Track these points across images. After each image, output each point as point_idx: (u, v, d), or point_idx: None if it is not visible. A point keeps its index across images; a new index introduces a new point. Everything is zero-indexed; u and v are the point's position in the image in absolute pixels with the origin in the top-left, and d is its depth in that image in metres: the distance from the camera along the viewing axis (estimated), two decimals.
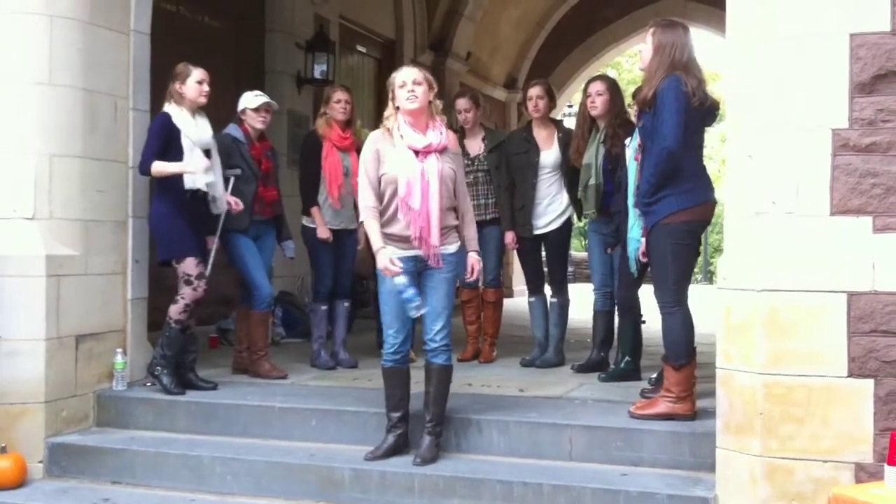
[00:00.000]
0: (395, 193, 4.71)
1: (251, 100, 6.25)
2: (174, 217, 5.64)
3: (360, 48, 11.13)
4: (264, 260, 6.35)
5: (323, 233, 6.52)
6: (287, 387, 5.98)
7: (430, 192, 4.66)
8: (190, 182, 5.63)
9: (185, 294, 5.67)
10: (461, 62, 12.84)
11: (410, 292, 4.62)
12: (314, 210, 6.54)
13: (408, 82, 4.72)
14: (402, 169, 4.69)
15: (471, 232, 4.93)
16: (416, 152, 4.70)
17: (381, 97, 11.22)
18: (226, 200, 5.93)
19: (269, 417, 5.33)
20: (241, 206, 5.97)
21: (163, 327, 5.73)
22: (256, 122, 6.25)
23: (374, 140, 4.86)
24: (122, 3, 5.78)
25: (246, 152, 6.18)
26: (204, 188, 5.71)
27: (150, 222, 5.77)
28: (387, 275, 4.67)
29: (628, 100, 6.15)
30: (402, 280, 4.63)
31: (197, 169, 5.64)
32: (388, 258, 4.65)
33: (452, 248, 4.82)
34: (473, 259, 4.92)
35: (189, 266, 5.65)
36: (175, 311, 5.68)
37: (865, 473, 3.86)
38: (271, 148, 6.53)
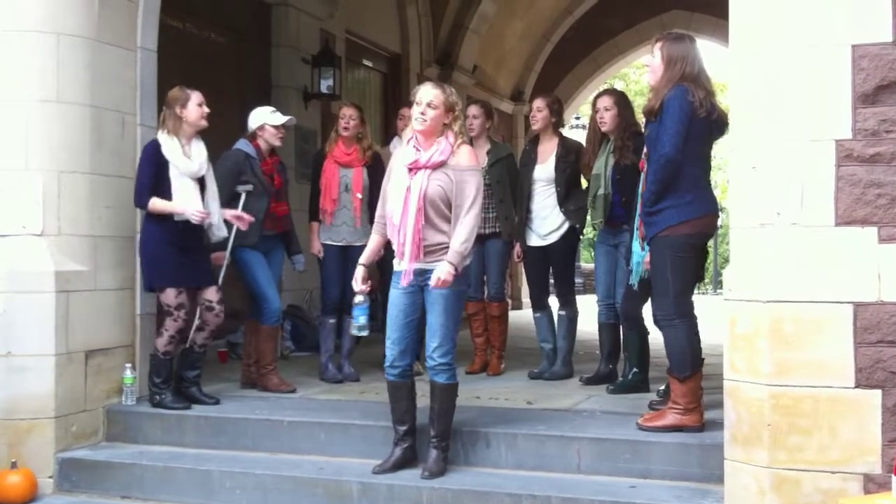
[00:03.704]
0: None
1: (271, 116, 6.25)
2: (160, 245, 5.59)
3: (366, 62, 11.16)
4: (273, 274, 6.36)
5: (313, 248, 6.61)
6: (296, 400, 5.99)
7: (409, 209, 4.67)
8: (179, 215, 5.58)
9: (168, 326, 5.67)
10: (467, 75, 12.86)
11: (357, 312, 4.94)
12: (311, 225, 6.63)
13: (422, 102, 4.72)
14: (393, 184, 4.78)
15: (455, 242, 4.64)
16: (409, 169, 4.73)
17: (387, 111, 11.26)
18: (235, 216, 5.89)
19: (278, 431, 5.34)
20: (248, 220, 5.94)
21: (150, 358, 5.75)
22: (276, 140, 6.27)
23: (393, 155, 4.97)
24: (128, 20, 5.82)
25: (258, 168, 6.19)
26: (194, 220, 5.59)
27: (140, 248, 5.71)
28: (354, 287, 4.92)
29: (639, 111, 6.17)
30: (359, 299, 4.93)
31: (193, 216, 5.55)
32: (357, 276, 4.90)
33: None
34: (440, 267, 4.61)
35: (168, 297, 5.62)
36: (161, 343, 5.69)
37: (874, 484, 3.85)
38: (281, 162, 6.55)
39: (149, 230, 5.65)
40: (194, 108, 5.67)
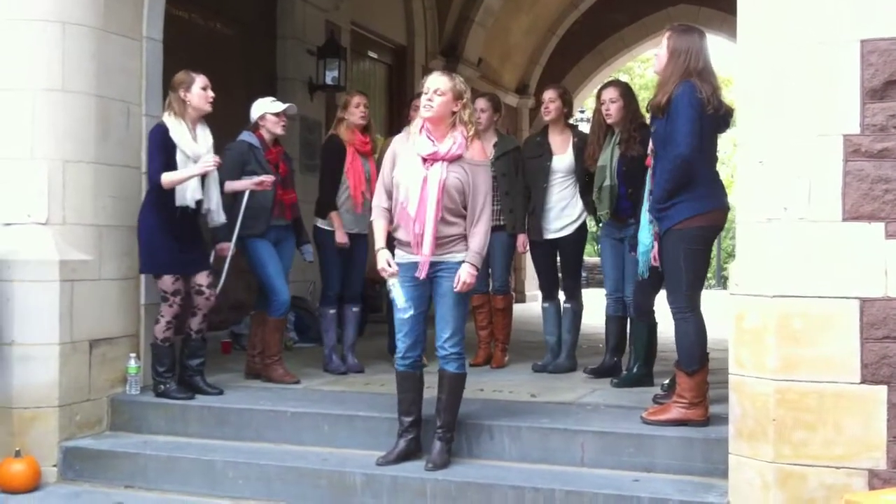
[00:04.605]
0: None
1: (271, 105, 6.26)
2: (159, 232, 5.59)
3: (371, 54, 11.16)
4: (284, 265, 6.35)
5: (341, 237, 6.55)
6: (299, 392, 5.99)
7: (428, 199, 4.64)
8: (180, 199, 5.58)
9: (164, 311, 5.68)
10: (472, 68, 12.85)
11: (395, 293, 4.71)
12: (333, 214, 6.57)
13: (429, 90, 4.72)
14: (406, 174, 4.73)
15: (474, 243, 4.69)
16: (424, 159, 4.71)
17: (392, 103, 11.26)
18: (255, 182, 5.94)
19: (282, 422, 5.34)
20: (269, 181, 5.96)
21: (150, 347, 5.77)
22: (278, 128, 6.26)
23: (395, 142, 4.94)
24: (134, 10, 5.81)
25: (262, 158, 6.18)
26: (193, 205, 5.64)
27: (137, 234, 5.70)
28: (382, 275, 4.75)
29: (643, 104, 6.14)
30: (394, 281, 4.72)
31: (207, 167, 5.57)
32: (385, 259, 4.72)
33: (460, 256, 4.72)
34: (462, 270, 4.66)
35: (165, 283, 5.63)
36: (159, 330, 5.70)
37: (879, 480, 3.84)
38: (285, 152, 6.55)
39: (145, 218, 5.65)
40: (198, 91, 5.66)
